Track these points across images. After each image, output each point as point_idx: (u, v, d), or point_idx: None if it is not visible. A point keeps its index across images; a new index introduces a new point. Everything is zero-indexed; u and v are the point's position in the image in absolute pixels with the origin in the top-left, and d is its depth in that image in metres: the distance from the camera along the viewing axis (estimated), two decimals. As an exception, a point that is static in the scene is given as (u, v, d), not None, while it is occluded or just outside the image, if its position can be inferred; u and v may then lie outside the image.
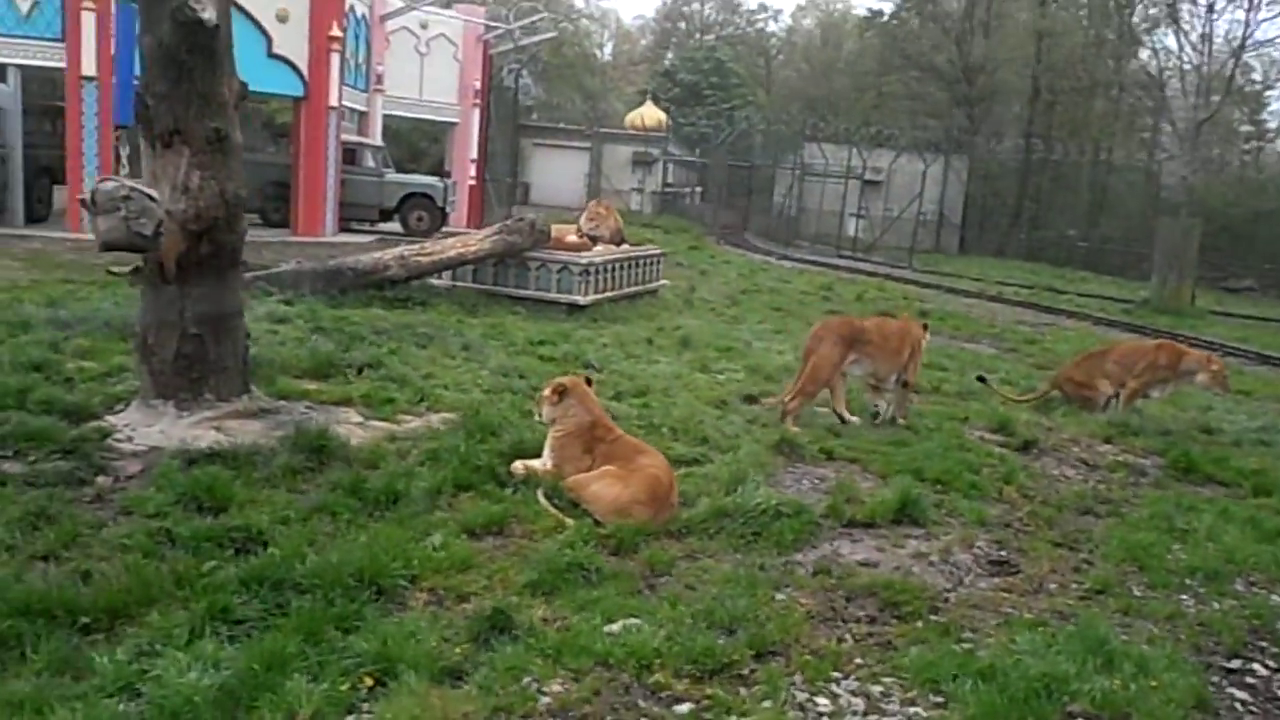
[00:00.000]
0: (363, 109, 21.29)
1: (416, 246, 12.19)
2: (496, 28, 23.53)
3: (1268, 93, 34.39)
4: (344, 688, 3.32)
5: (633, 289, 13.72)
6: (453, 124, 23.92)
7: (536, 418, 5.72)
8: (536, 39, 26.10)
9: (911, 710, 3.58)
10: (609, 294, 12.87)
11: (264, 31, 17.14)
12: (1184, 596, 4.96)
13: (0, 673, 3.32)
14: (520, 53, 26.07)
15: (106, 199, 5.01)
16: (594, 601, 4.16)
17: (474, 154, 23.95)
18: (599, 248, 13.17)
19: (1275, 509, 6.65)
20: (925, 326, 8.46)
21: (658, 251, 15.10)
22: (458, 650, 3.67)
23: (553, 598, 4.19)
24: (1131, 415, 8.82)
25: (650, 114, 43.55)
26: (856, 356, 7.64)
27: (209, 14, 5.18)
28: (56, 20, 15.28)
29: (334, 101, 18.22)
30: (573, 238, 13.16)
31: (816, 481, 6.24)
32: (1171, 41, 36.89)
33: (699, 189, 44.84)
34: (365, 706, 3.28)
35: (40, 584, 3.77)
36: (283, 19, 17.28)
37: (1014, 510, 6.11)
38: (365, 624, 3.76)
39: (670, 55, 68.75)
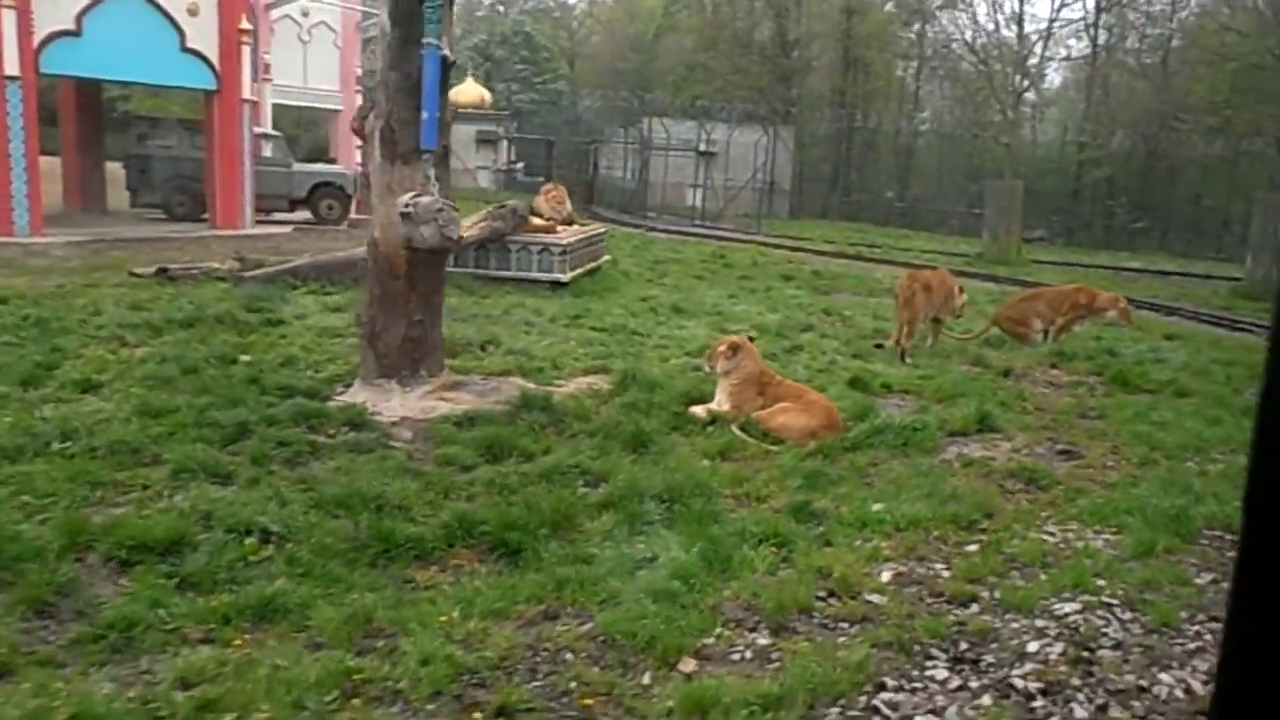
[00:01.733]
0: (253, 99, 21.26)
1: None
2: (373, 14, 23.84)
3: (1047, 64, 38.95)
4: (769, 550, 4.74)
5: (591, 265, 15.04)
6: (336, 110, 24.13)
7: (707, 370, 7.16)
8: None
9: (1104, 537, 5.35)
10: (578, 271, 14.15)
11: (176, 26, 17.05)
12: (1190, 464, 7.01)
13: (523, 568, 4.53)
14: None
15: (426, 211, 6.03)
16: (845, 494, 5.71)
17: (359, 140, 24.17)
18: (562, 229, 14.41)
19: (1198, 405, 8.93)
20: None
21: (603, 230, 16.44)
22: (790, 528, 5.13)
23: (814, 493, 5.69)
24: (1060, 346, 11.08)
25: (471, 90, 43.95)
26: (928, 300, 9.59)
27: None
28: (-29, 19, 14.86)
29: (246, 94, 18.34)
30: (537, 220, 14.31)
31: (899, 407, 7.98)
32: (965, 17, 40.98)
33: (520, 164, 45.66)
34: (797, 560, 4.70)
35: (487, 514, 4.93)
36: (193, 13, 17.24)
37: (1041, 418, 8.07)
38: (721, 521, 5.15)
39: (479, 31, 68.83)
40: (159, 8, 16.78)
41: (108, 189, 20.72)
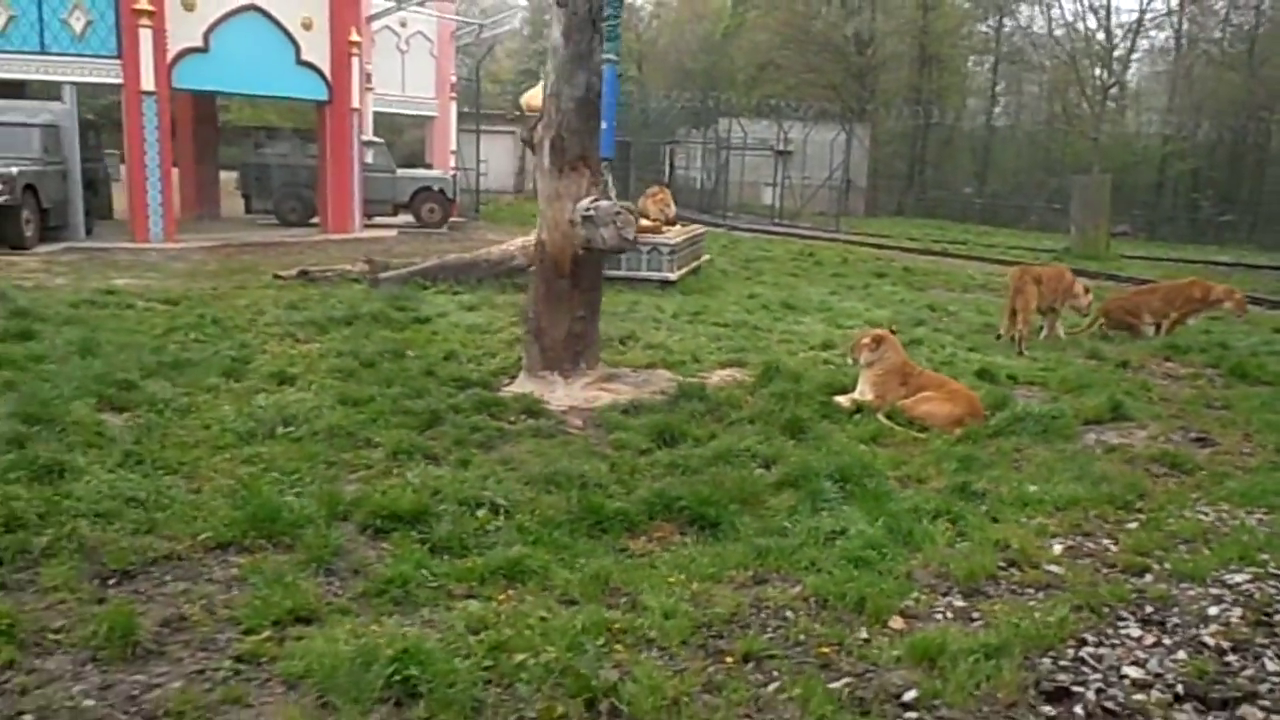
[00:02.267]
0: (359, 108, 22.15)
1: (528, 239, 13.61)
2: (468, 24, 24.63)
3: (1131, 58, 38.44)
4: (945, 525, 5.11)
5: (694, 264, 15.49)
6: (432, 117, 24.95)
7: (851, 362, 7.55)
8: (499, 30, 27.26)
9: (1257, 517, 5.62)
10: (684, 270, 14.60)
11: (292, 39, 17.92)
12: (1325, 449, 7.19)
13: (723, 539, 4.96)
14: (481, 45, 27.11)
15: (606, 214, 6.53)
16: (998, 476, 6.05)
17: (453, 145, 25.06)
18: (667, 229, 14.87)
19: (1322, 395, 9.05)
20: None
21: (703, 231, 16.87)
22: (958, 506, 5.49)
23: (970, 475, 6.03)
24: (1174, 339, 11.23)
25: (541, 94, 44.55)
26: (1039, 292, 9.87)
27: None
28: (111, 38, 15.82)
29: (355, 104, 19.16)
30: (644, 221, 14.77)
31: (1028, 396, 8.26)
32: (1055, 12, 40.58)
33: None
34: (972, 534, 5.06)
35: (681, 490, 5.38)
36: (307, 26, 18.09)
37: (1168, 407, 8.29)
38: (893, 499, 5.52)
39: (545, 35, 69.68)
40: (277, 23, 17.64)
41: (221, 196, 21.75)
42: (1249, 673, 3.78)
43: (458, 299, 11.45)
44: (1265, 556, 4.86)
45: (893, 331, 7.58)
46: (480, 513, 4.93)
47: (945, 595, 4.43)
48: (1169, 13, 37.07)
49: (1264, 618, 4.23)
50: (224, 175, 23.41)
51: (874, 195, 43.32)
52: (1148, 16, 36.22)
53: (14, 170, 14.30)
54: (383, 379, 7.31)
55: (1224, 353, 10.90)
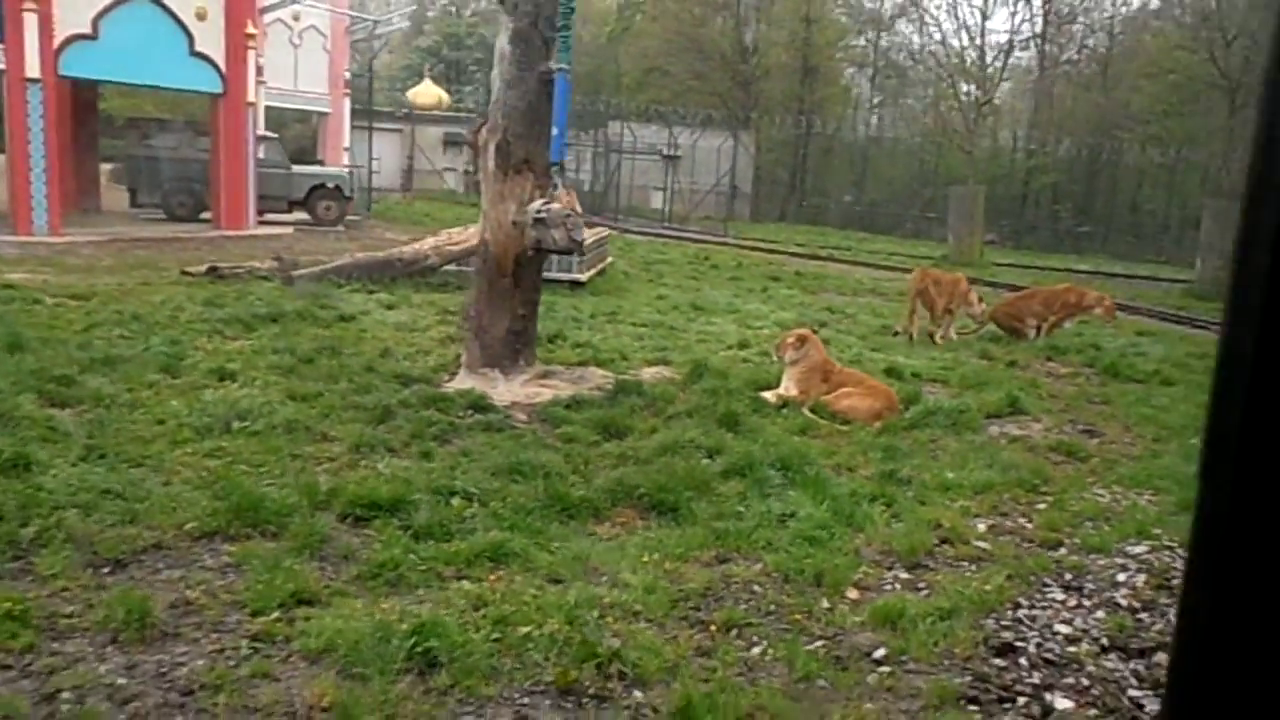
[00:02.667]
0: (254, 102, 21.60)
1: (444, 236, 13.70)
2: (363, 19, 24.32)
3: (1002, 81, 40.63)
4: (880, 507, 5.58)
5: (600, 266, 15.81)
6: (324, 113, 24.56)
7: (776, 359, 8.01)
8: (392, 28, 26.96)
9: (1146, 498, 6.29)
10: (592, 271, 14.91)
11: (185, 30, 17.42)
12: (1196, 440, 8.02)
13: (682, 523, 5.29)
14: (376, 40, 26.77)
15: (558, 217, 6.75)
16: (919, 464, 6.58)
17: (346, 142, 24.68)
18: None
19: (1185, 392, 10.00)
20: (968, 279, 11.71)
21: (607, 233, 17.20)
22: (890, 490, 5.98)
23: (894, 463, 6.55)
24: (1053, 340, 12.14)
25: (428, 91, 44.11)
26: (938, 292, 10.55)
27: (550, 68, 6.98)
28: (-7, 22, 15.14)
29: (251, 98, 18.75)
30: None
31: (932, 393, 8.89)
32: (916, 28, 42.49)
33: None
34: (905, 516, 5.53)
35: (638, 479, 5.69)
36: (201, 17, 17.62)
37: (1056, 402, 9.05)
38: (832, 484, 5.97)
39: (433, 33, 68.88)
40: (170, 12, 17.16)
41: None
42: (1158, 627, 4.34)
43: (375, 297, 11.46)
44: (1158, 531, 5.50)
45: (814, 331, 8.07)
46: (455, 501, 5.14)
47: (891, 569, 4.88)
48: (1033, 35, 39.27)
49: (1164, 582, 4.82)
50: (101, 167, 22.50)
51: (758, 201, 44.47)
52: (1017, 38, 38.31)
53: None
54: (325, 375, 7.38)
55: (1097, 353, 11.84)
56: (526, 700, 3.47)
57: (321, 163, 24.27)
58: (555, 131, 6.74)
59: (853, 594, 4.57)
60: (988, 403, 8.41)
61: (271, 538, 4.59)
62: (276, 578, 4.10)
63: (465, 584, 4.30)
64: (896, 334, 11.47)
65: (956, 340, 11.91)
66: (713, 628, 4.10)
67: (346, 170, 22.48)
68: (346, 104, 24.82)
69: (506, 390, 7.43)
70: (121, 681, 3.35)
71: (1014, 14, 40.20)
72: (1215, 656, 0.77)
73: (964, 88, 35.60)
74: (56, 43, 15.57)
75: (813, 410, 7.54)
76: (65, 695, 3.23)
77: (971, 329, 12.51)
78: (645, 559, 4.71)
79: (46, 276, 11.78)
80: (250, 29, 18.41)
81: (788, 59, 45.81)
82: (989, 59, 37.35)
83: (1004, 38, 39.82)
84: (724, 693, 3.48)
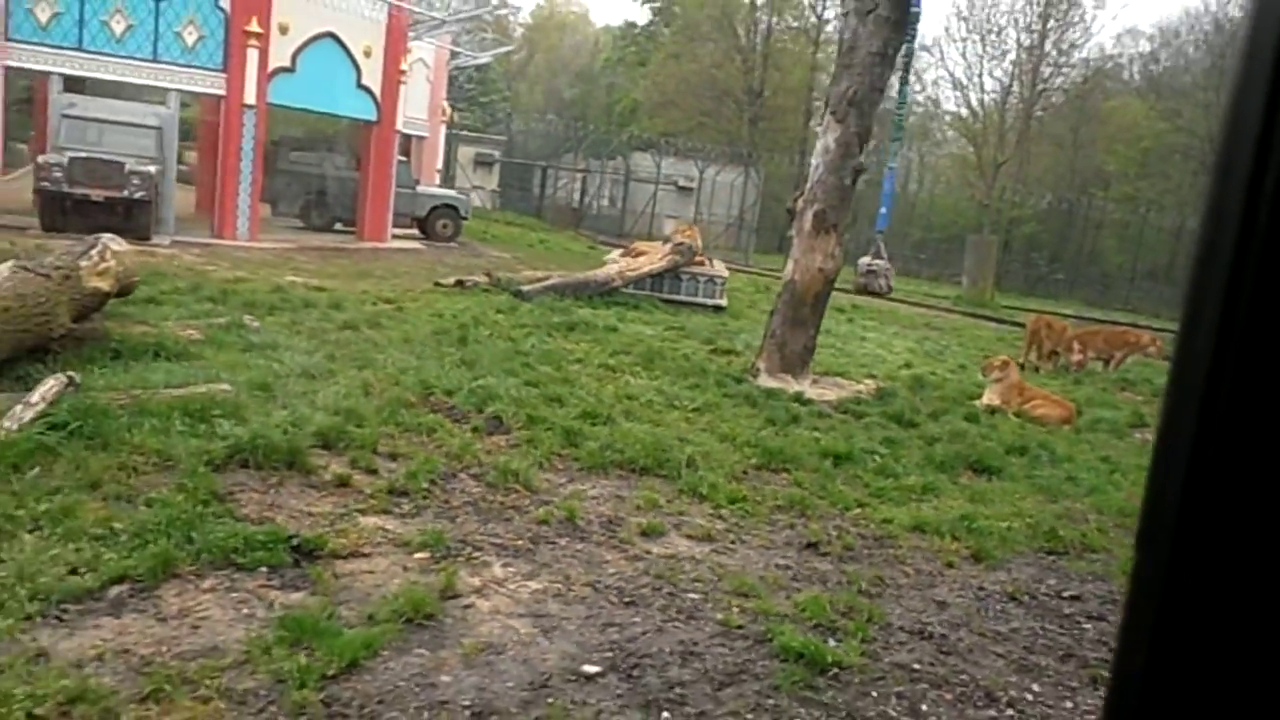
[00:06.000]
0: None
1: (625, 263, 16.36)
2: (469, 56, 26.80)
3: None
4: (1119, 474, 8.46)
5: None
6: (424, 137, 26.90)
7: (983, 376, 10.89)
8: (480, 61, 29.43)
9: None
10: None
11: (355, 64, 19.84)
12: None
13: (1006, 479, 8.08)
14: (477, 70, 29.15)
15: (884, 270, 9.51)
16: (1123, 449, 9.49)
17: (440, 164, 27.10)
18: (711, 264, 17.92)
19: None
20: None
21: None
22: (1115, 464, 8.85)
23: (1102, 449, 9.42)
24: (1120, 374, 15.23)
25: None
26: (1049, 334, 13.57)
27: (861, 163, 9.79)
28: (219, 53, 17.42)
29: (400, 126, 21.19)
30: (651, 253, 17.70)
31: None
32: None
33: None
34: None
35: (958, 452, 8.46)
36: (368, 54, 20.06)
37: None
38: (1076, 460, 8.81)
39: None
40: (346, 49, 19.56)
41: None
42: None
43: (599, 313, 14.04)
44: None
45: (1007, 361, 10.98)
46: (873, 459, 7.87)
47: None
48: (1021, 100, 43.24)
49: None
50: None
51: (762, 234, 47.64)
52: (1009, 97, 42.21)
53: (151, 169, 15.78)
54: (675, 372, 10.05)
55: (1154, 386, 14.99)
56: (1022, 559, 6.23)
57: (418, 182, 26.59)
58: (883, 210, 9.52)
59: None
60: (1122, 416, 11.40)
61: (791, 471, 7.27)
62: (832, 489, 6.80)
63: (930, 501, 7.03)
64: (1022, 366, 14.39)
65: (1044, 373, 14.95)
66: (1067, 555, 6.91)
67: (463, 193, 24.88)
68: (443, 130, 27.28)
69: (803, 390, 10.16)
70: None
71: (1009, 80, 43.54)
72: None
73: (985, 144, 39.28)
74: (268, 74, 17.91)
75: (1015, 415, 10.42)
76: (822, 536, 5.92)
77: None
78: (1011, 505, 7.51)
79: (307, 279, 14.15)
80: (403, 65, 20.88)
81: (794, 102, 49.28)
82: (1009, 119, 41.07)
83: (993, 95, 43.64)
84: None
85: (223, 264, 14.51)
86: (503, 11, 31.54)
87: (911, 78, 24.44)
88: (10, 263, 6.40)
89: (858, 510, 6.55)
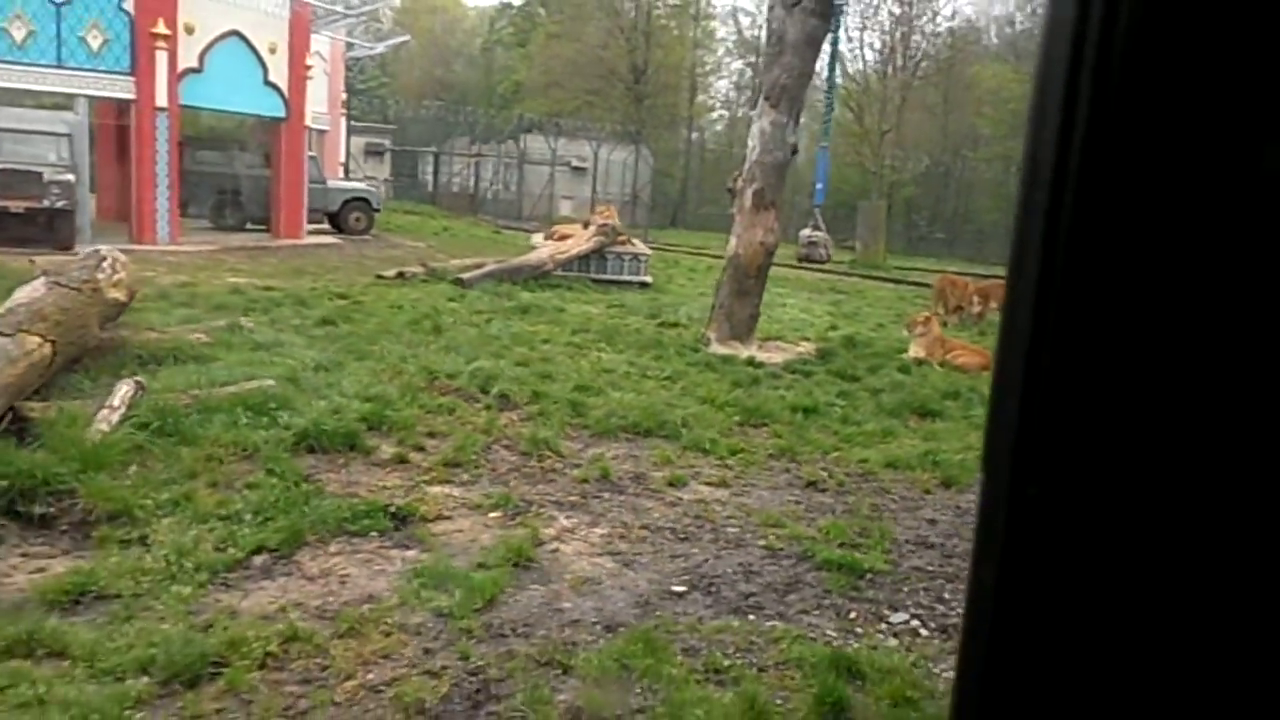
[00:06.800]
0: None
1: (554, 247, 16.99)
2: (365, 47, 26.71)
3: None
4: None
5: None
6: (324, 131, 26.79)
7: (907, 332, 12.00)
8: (376, 52, 29.30)
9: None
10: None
11: (262, 62, 19.79)
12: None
13: (948, 420, 9.15)
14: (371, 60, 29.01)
15: (823, 241, 10.39)
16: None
17: (342, 157, 27.00)
18: (632, 244, 18.69)
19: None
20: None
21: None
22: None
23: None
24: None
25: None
26: (953, 292, 14.81)
27: (795, 144, 10.71)
28: (125, 56, 17.22)
29: (308, 122, 21.21)
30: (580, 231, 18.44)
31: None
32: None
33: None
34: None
35: (903, 399, 9.48)
36: (273, 50, 20.02)
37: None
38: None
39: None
40: (252, 47, 19.51)
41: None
42: None
43: (540, 295, 14.68)
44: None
45: (928, 317, 12.11)
46: (834, 410, 8.82)
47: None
48: (896, 70, 45.29)
49: None
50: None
51: (655, 211, 48.61)
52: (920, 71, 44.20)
53: (69, 177, 15.61)
54: (634, 345, 10.82)
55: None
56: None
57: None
58: (819, 186, 10.43)
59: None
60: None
61: (769, 425, 8.15)
62: (808, 437, 7.71)
63: (892, 442, 8.01)
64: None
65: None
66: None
67: (374, 185, 24.94)
68: (343, 123, 27.20)
69: (751, 354, 11.07)
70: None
71: (885, 50, 45.53)
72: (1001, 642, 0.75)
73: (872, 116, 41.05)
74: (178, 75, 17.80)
75: (940, 365, 11.56)
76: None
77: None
78: (959, 441, 8.56)
79: (252, 279, 14.37)
80: (309, 61, 20.91)
81: (676, 79, 50.30)
82: (890, 88, 42.91)
83: (875, 67, 45.54)
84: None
85: (159, 269, 14.56)
86: (396, 2, 31.46)
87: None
88: (42, 278, 6.72)
89: (835, 454, 7.47)
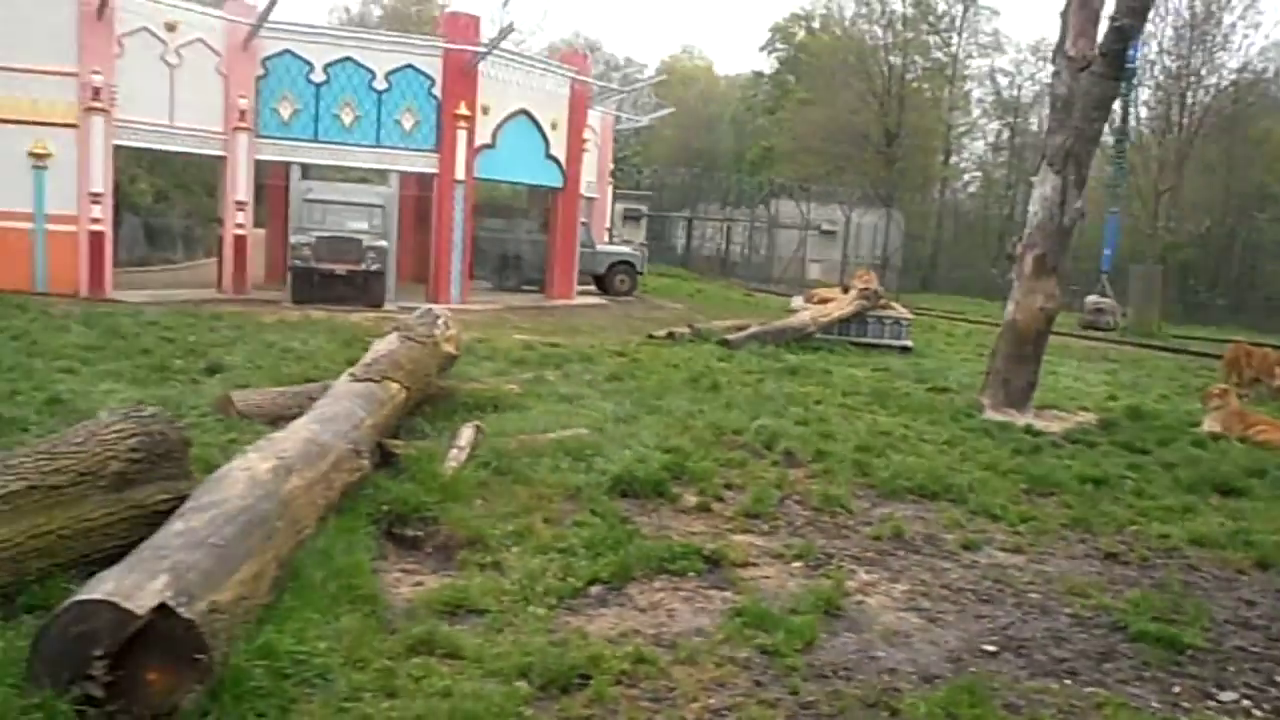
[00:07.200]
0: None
1: (816, 310, 17.30)
2: (634, 120, 28.65)
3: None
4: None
5: (907, 334, 19.26)
6: (593, 198, 28.60)
7: (1203, 405, 11.33)
8: (650, 116, 31.32)
9: None
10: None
11: (545, 137, 21.55)
12: None
13: (1250, 500, 8.57)
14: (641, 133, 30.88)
15: (1111, 308, 10.22)
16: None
17: (607, 223, 28.79)
18: (894, 307, 18.65)
19: None
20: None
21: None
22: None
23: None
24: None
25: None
26: (1249, 363, 13.85)
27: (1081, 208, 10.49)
28: (432, 135, 19.30)
29: (583, 192, 22.79)
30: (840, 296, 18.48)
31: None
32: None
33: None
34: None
35: (1201, 474, 8.98)
36: (554, 126, 21.75)
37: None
38: None
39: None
40: (537, 124, 21.26)
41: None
42: None
43: (804, 358, 14.96)
44: None
45: (1225, 390, 11.39)
46: (1126, 483, 8.50)
47: None
48: (1168, 128, 42.62)
49: None
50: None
51: (904, 273, 47.88)
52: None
53: (383, 243, 17.61)
54: (906, 409, 10.87)
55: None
56: None
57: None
58: (1107, 251, 10.20)
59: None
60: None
61: (1057, 495, 7.98)
62: (1101, 509, 7.49)
63: (1195, 519, 7.62)
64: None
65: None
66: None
67: (638, 249, 26.41)
68: (609, 191, 28.97)
69: (1029, 421, 10.82)
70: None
71: (1159, 105, 43.04)
72: None
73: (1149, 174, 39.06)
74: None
75: (1239, 441, 10.82)
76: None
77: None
78: (1266, 518, 8.02)
79: (542, 336, 15.54)
80: (586, 136, 22.48)
81: (929, 142, 49.67)
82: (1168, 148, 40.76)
83: (1148, 124, 43.04)
84: None
85: (468, 327, 16.07)
86: (662, 79, 33.22)
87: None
88: (395, 334, 7.77)
89: (1134, 527, 7.24)
